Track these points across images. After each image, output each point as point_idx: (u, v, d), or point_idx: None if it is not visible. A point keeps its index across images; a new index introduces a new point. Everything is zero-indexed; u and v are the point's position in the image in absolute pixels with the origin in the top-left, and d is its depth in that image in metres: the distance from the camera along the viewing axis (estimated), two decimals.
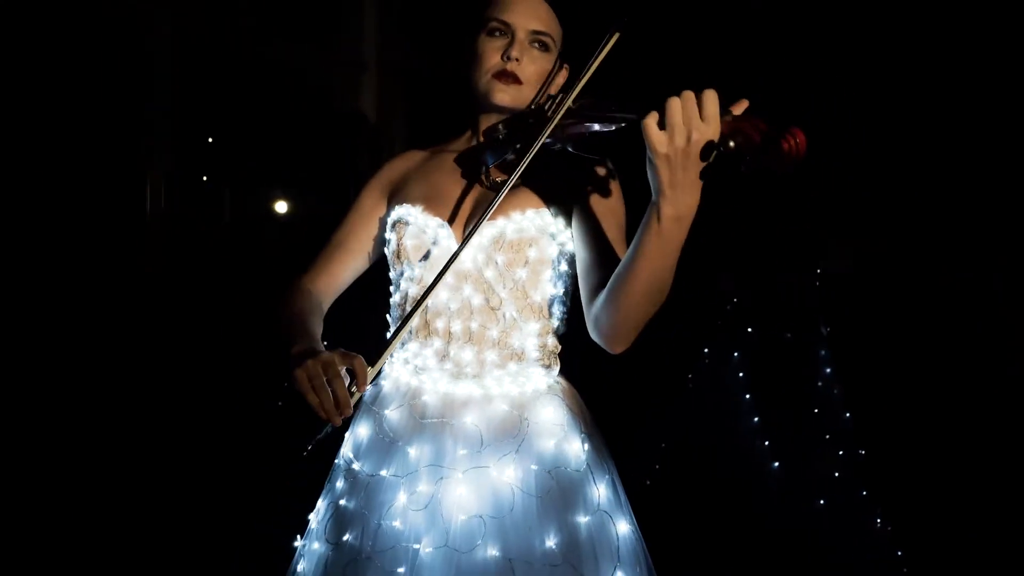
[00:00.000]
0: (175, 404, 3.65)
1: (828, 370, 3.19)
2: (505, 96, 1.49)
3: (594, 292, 1.40)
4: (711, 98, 1.14)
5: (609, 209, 1.46)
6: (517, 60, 1.48)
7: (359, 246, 1.62)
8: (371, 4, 4.20)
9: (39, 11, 3.53)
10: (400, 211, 1.54)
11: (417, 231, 1.51)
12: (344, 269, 1.62)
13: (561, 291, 1.52)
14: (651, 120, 1.16)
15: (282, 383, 1.30)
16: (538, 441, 1.45)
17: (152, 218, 4.04)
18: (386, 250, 1.58)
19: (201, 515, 3.02)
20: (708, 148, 1.16)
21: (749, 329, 3.25)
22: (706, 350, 3.36)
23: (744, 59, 3.66)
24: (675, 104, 1.14)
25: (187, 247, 4.13)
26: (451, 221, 1.51)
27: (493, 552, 1.37)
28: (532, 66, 1.50)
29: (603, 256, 1.42)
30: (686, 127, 1.14)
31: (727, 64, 3.59)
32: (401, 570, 1.37)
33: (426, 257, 1.50)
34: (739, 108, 1.18)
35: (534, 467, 1.43)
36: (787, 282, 3.30)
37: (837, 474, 3.07)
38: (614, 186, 1.48)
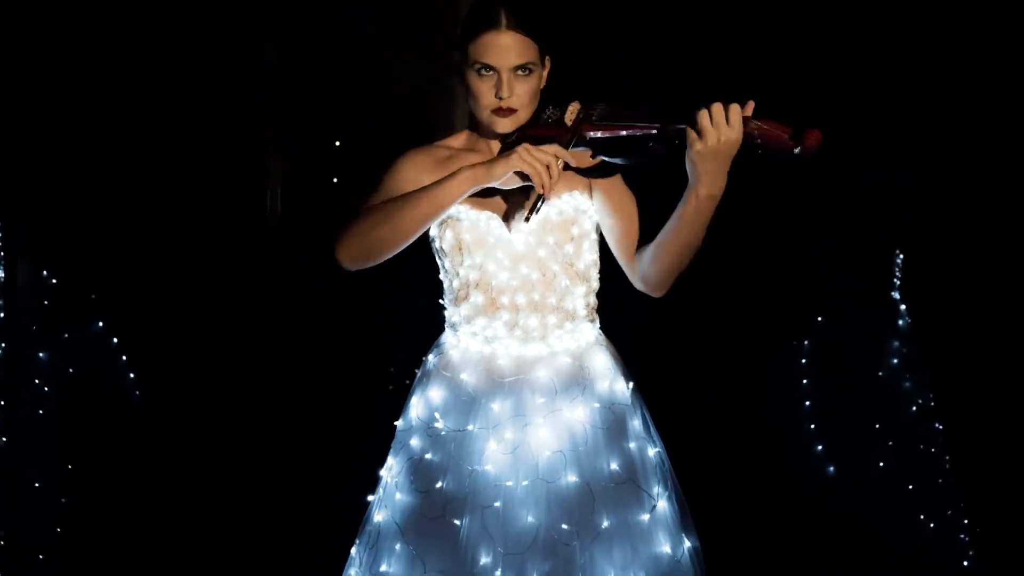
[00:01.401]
0: (298, 396, 3.93)
1: (895, 361, 3.33)
2: (506, 125, 1.73)
3: (631, 254, 1.77)
4: (735, 112, 1.52)
5: (625, 189, 1.80)
6: (509, 96, 1.69)
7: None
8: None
9: (170, 24, 3.77)
10: (450, 209, 1.74)
11: (471, 225, 1.76)
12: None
13: (596, 256, 1.84)
14: (690, 131, 1.53)
15: (388, 368, 1.63)
16: (596, 383, 1.79)
17: (270, 216, 4.41)
18: (438, 245, 1.81)
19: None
20: (750, 151, 1.52)
21: (819, 318, 3.44)
22: (794, 343, 3.48)
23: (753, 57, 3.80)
24: (704, 114, 1.52)
25: (303, 244, 4.40)
26: (498, 213, 1.78)
27: (573, 479, 1.69)
28: (523, 90, 1.71)
29: (631, 225, 1.79)
30: (715, 130, 1.51)
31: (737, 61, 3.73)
32: (497, 503, 1.68)
33: (483, 246, 1.76)
34: (749, 109, 1.53)
35: (596, 405, 1.77)
36: (863, 272, 3.42)
37: (896, 467, 3.18)
38: (616, 174, 1.79)
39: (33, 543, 2.88)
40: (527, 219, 1.67)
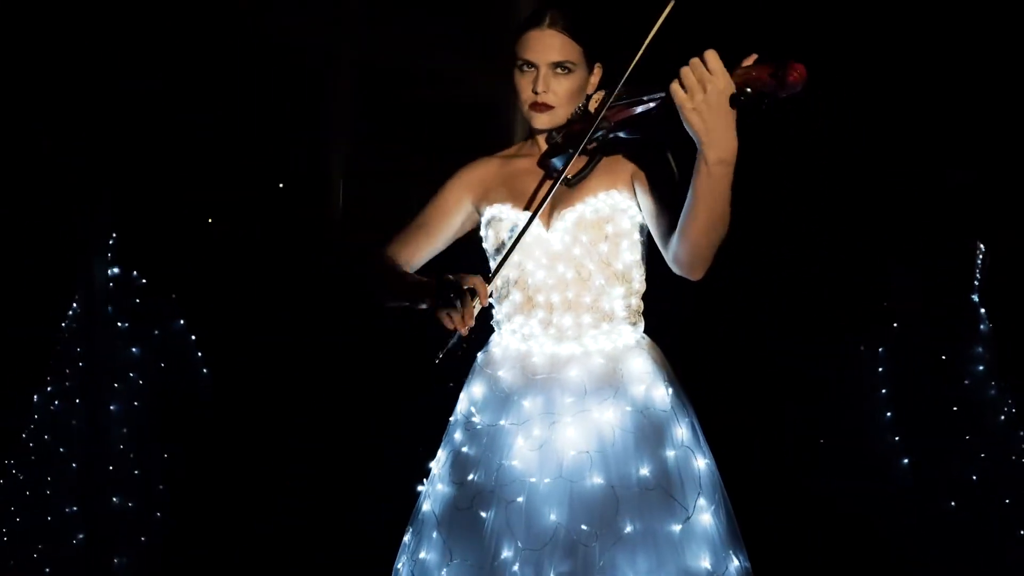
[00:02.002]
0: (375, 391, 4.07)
1: (981, 367, 3.18)
2: (542, 121, 1.78)
3: (666, 236, 1.68)
4: (711, 55, 1.43)
5: (662, 167, 1.74)
6: (545, 91, 1.74)
7: (438, 230, 1.92)
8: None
9: (241, 37, 4.09)
10: (492, 211, 1.83)
11: (510, 224, 1.80)
12: (422, 247, 1.92)
13: (638, 257, 1.81)
14: (675, 87, 1.44)
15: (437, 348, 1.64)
16: (630, 387, 1.76)
17: (334, 216, 4.62)
18: (484, 245, 1.87)
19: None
20: (731, 98, 1.44)
21: (895, 324, 3.31)
22: (862, 347, 3.40)
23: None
24: (686, 69, 1.43)
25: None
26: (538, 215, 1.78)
27: (598, 480, 1.67)
28: (561, 88, 1.75)
29: (666, 206, 1.69)
30: (700, 83, 1.42)
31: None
32: (520, 499, 1.68)
33: (521, 245, 1.75)
34: (749, 61, 1.46)
35: (628, 408, 1.73)
36: (945, 275, 3.31)
37: (975, 478, 3.07)
38: (665, 151, 1.75)
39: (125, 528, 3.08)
40: (437, 359, 1.63)
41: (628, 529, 1.65)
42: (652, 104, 1.62)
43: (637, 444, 1.71)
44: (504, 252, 1.71)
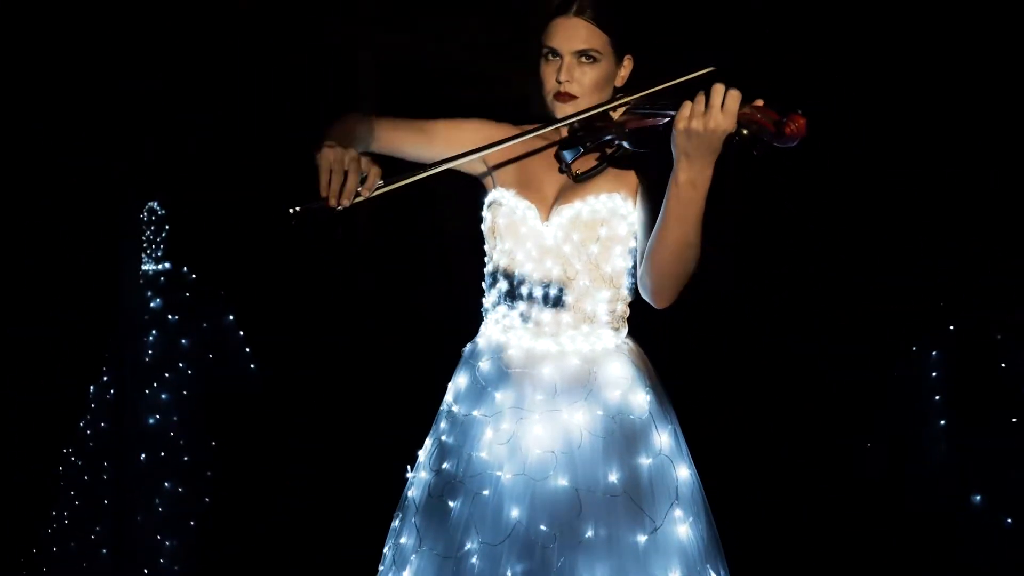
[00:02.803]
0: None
1: None
2: (565, 111, 1.73)
3: (641, 256, 1.67)
4: (733, 97, 1.45)
5: (662, 188, 1.67)
6: (568, 81, 1.71)
7: (431, 136, 1.83)
8: None
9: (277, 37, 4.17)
10: (495, 194, 1.82)
11: (508, 211, 1.78)
12: (408, 138, 1.81)
13: (630, 264, 1.77)
14: (685, 103, 1.46)
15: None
16: (605, 391, 1.71)
17: (362, 220, 4.66)
18: (483, 227, 1.86)
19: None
20: (727, 137, 1.45)
21: (951, 327, 3.12)
22: (914, 348, 3.26)
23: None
24: (701, 95, 1.46)
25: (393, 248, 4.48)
26: (538, 204, 1.78)
27: (563, 482, 1.64)
28: (585, 78, 1.72)
29: (650, 227, 1.66)
30: (705, 114, 1.44)
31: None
32: (486, 492, 1.66)
33: (515, 234, 1.77)
34: (758, 103, 1.46)
35: (599, 413, 1.69)
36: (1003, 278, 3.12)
37: None
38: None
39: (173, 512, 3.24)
40: (292, 211, 1.44)
41: (589, 534, 1.61)
42: (666, 120, 1.58)
43: (606, 449, 1.67)
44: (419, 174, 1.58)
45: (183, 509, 3.20)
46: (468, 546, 1.64)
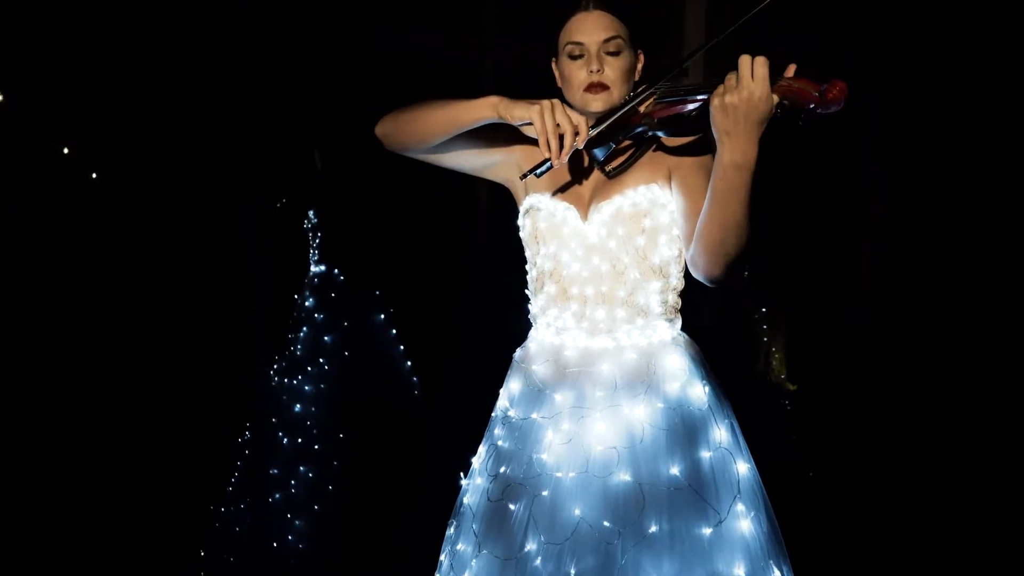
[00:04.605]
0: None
1: None
2: (598, 103, 1.72)
3: (690, 237, 1.66)
4: (760, 62, 1.44)
5: (701, 166, 1.68)
6: (599, 71, 1.70)
7: (475, 140, 1.82)
8: (694, 8, 4.23)
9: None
10: (531, 200, 1.81)
11: (548, 215, 1.78)
12: (467, 150, 1.84)
13: (676, 253, 1.75)
14: (719, 86, 1.47)
15: None
16: (664, 384, 1.70)
17: (478, 219, 4.83)
18: (521, 234, 1.86)
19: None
20: (768, 109, 1.44)
21: None
22: None
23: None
24: (731, 73, 1.46)
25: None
26: (576, 204, 1.77)
27: (625, 477, 1.64)
28: (613, 70, 1.71)
29: (694, 206, 1.66)
30: (740, 83, 1.44)
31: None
32: (545, 493, 1.67)
33: (558, 236, 1.77)
34: (790, 71, 1.44)
35: (660, 405, 1.68)
36: None
37: None
38: (706, 154, 1.69)
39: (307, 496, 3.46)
40: (523, 176, 1.64)
41: (653, 529, 1.61)
42: (695, 104, 1.58)
43: (669, 442, 1.66)
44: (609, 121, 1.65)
45: (312, 493, 3.41)
46: (529, 547, 1.65)
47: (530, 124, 1.61)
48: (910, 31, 4.56)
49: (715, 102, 1.47)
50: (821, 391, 4.56)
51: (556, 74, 1.82)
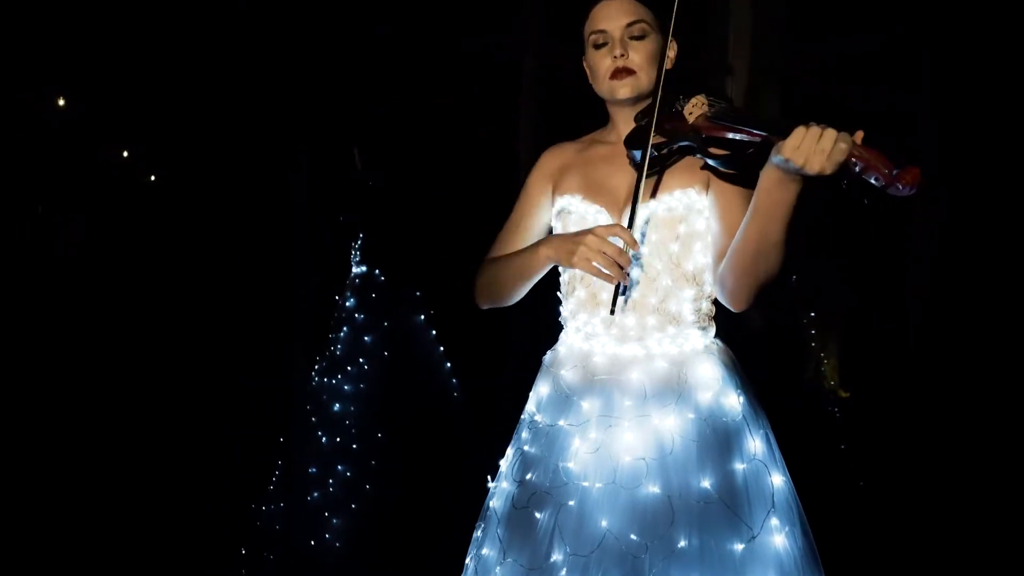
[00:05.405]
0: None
1: None
2: (625, 89, 1.69)
3: (719, 257, 1.60)
4: (841, 151, 1.34)
5: (741, 188, 1.62)
6: (623, 55, 1.66)
7: (529, 225, 1.87)
8: (739, 5, 4.14)
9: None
10: (562, 202, 1.78)
11: (579, 218, 1.73)
12: (519, 245, 1.85)
13: (711, 260, 1.68)
14: (796, 132, 1.38)
15: None
16: (696, 393, 1.64)
17: None
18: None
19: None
20: (832, 179, 1.37)
21: None
22: None
23: None
24: (812, 129, 1.36)
25: None
26: (608, 207, 1.73)
27: (654, 489, 1.59)
28: (638, 55, 1.67)
29: (731, 227, 1.60)
30: (809, 156, 1.36)
31: None
32: (572, 503, 1.63)
33: None
34: (858, 137, 1.36)
35: (691, 416, 1.62)
36: None
37: None
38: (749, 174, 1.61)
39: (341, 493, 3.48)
40: (611, 311, 1.59)
41: (682, 544, 1.55)
42: (753, 139, 1.50)
43: (700, 454, 1.60)
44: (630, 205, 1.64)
45: (349, 492, 3.42)
46: (555, 557, 1.61)
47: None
48: (972, 31, 4.40)
49: (784, 152, 1.39)
50: (873, 399, 4.45)
51: (587, 71, 1.79)
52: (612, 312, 1.60)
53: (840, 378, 4.46)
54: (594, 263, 1.56)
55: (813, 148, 1.36)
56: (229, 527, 3.56)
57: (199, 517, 3.72)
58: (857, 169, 1.36)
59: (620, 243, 1.56)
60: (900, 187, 1.32)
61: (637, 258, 1.69)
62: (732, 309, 1.63)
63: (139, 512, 3.80)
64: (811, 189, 1.43)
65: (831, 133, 1.36)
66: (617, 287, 1.58)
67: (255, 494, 3.61)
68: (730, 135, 1.54)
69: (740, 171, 1.58)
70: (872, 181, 1.34)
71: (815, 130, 1.36)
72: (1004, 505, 3.49)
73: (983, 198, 4.75)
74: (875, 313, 5.08)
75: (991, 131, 4.76)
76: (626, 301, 1.68)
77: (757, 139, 1.49)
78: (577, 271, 1.73)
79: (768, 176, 1.45)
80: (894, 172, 1.32)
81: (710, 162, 1.60)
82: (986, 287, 4.57)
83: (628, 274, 1.59)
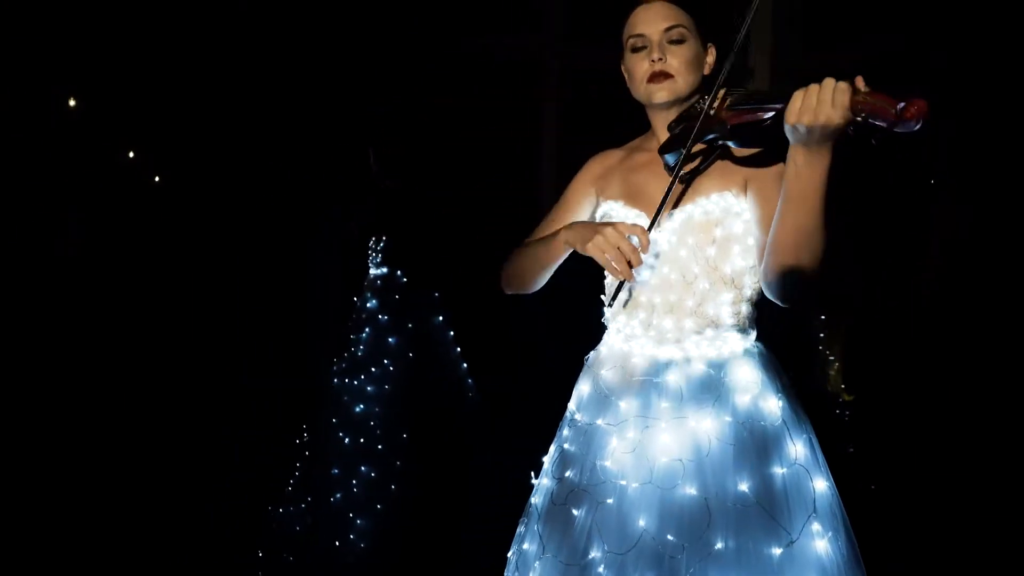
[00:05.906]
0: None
1: None
2: (662, 93, 1.70)
3: (763, 251, 1.60)
4: (843, 89, 1.37)
5: (779, 176, 1.61)
6: (661, 59, 1.68)
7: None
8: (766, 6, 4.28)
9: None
10: (604, 207, 1.82)
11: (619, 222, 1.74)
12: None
13: (751, 263, 1.70)
14: (795, 96, 1.41)
15: None
16: (734, 396, 1.65)
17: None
18: None
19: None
20: (843, 129, 1.40)
21: None
22: None
23: None
24: (812, 88, 1.40)
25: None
26: (648, 212, 1.74)
27: (691, 491, 1.60)
28: (676, 59, 1.69)
29: (770, 219, 1.59)
30: (815, 110, 1.38)
31: None
32: (610, 501, 1.65)
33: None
34: (860, 82, 1.38)
35: (728, 419, 1.64)
36: None
37: None
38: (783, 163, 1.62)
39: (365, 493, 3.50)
40: (609, 304, 1.66)
41: (719, 546, 1.57)
42: (769, 114, 1.54)
43: (736, 457, 1.61)
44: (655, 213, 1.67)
45: (374, 493, 3.44)
46: (593, 554, 1.64)
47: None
48: (986, 32, 4.42)
49: (790, 119, 1.42)
50: (881, 402, 4.46)
51: (625, 75, 1.80)
52: (610, 305, 1.69)
53: (845, 381, 4.46)
54: (607, 255, 1.61)
55: (815, 102, 1.39)
56: (246, 529, 3.58)
57: (216, 518, 3.74)
58: (863, 114, 1.38)
59: (637, 243, 1.59)
60: (908, 122, 1.33)
61: (652, 265, 1.72)
62: (781, 304, 1.62)
63: (154, 513, 3.80)
64: (837, 176, 1.45)
65: (828, 81, 1.40)
66: (621, 283, 1.64)
67: (273, 495, 3.63)
68: (753, 116, 1.57)
69: (767, 145, 1.61)
70: (879, 124, 1.37)
71: (812, 87, 1.41)
72: (1017, 508, 3.49)
73: (999, 199, 4.76)
74: (881, 312, 5.08)
75: (1007, 132, 4.76)
76: (626, 301, 1.73)
77: (773, 111, 1.53)
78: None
79: (793, 159, 1.46)
80: (899, 107, 1.33)
81: (735, 144, 1.63)
82: (999, 288, 4.57)
83: (637, 275, 1.62)
